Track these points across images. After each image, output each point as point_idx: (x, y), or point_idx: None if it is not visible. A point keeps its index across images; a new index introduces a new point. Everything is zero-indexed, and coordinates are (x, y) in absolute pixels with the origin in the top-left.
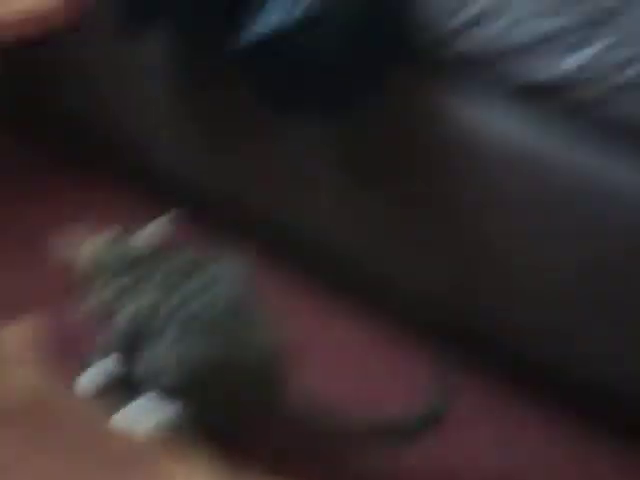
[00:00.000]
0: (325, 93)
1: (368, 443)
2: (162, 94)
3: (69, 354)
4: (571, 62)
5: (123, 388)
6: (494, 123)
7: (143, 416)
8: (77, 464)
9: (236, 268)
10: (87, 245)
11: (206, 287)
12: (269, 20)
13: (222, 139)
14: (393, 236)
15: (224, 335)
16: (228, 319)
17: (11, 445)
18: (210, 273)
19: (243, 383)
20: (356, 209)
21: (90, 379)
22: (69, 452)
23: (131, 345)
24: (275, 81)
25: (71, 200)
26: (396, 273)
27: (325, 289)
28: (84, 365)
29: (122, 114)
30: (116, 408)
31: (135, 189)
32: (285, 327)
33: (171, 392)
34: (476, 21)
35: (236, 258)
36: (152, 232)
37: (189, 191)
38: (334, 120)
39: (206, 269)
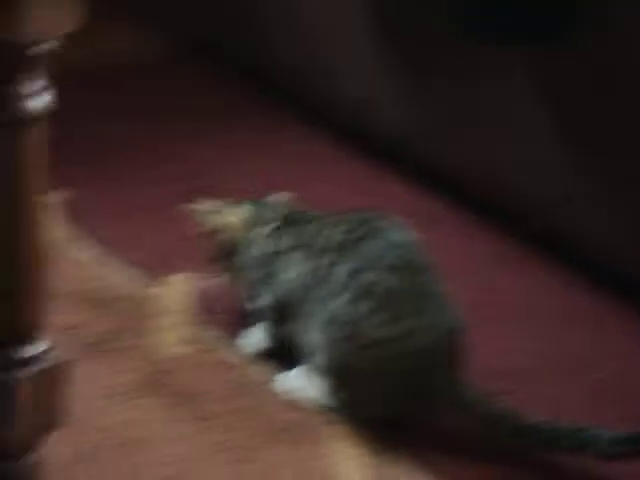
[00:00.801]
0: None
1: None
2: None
3: (219, 316)
4: None
5: (280, 355)
6: None
7: (299, 388)
8: (237, 431)
9: (411, 234)
10: (240, 207)
11: (381, 253)
12: None
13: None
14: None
15: (399, 310)
16: (405, 291)
17: (164, 408)
18: (385, 238)
19: (413, 368)
20: None
21: (248, 343)
22: (228, 416)
23: (289, 313)
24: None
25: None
26: None
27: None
28: (239, 329)
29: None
30: (273, 375)
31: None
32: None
33: (323, 371)
34: None
35: (406, 224)
36: None
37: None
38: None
39: (378, 234)
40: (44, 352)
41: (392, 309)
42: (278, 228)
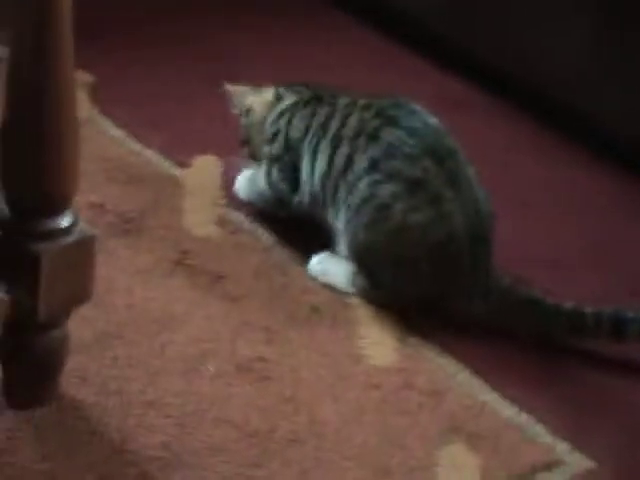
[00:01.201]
0: None
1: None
2: None
3: None
4: None
5: (308, 238)
6: None
7: (328, 271)
8: (262, 312)
9: (434, 119)
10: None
11: (403, 140)
12: None
13: None
14: None
15: (429, 194)
16: (434, 176)
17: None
18: (407, 125)
19: (444, 253)
20: None
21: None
22: (254, 297)
23: (323, 195)
24: None
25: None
26: None
27: None
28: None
29: None
30: (300, 258)
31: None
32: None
33: (352, 255)
34: None
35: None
36: None
37: None
38: None
39: (401, 121)
40: (70, 226)
41: (422, 194)
42: (296, 104)
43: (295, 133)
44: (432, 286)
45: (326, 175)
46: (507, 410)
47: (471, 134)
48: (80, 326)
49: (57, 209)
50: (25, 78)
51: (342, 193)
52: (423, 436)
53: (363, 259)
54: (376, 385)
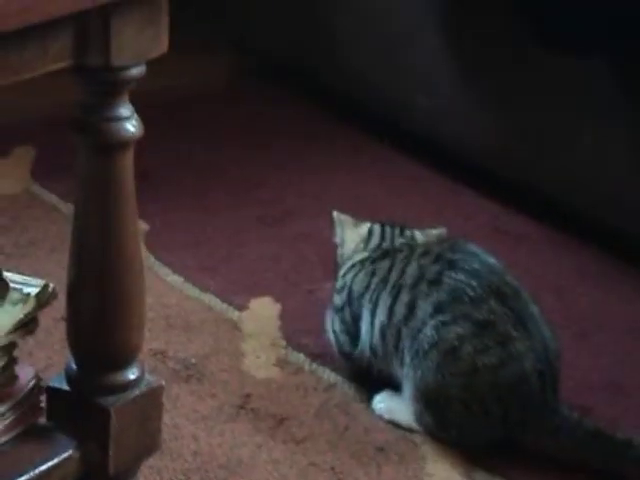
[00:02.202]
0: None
1: None
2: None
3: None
4: None
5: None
6: None
7: (399, 408)
8: (329, 453)
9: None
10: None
11: (468, 283)
12: None
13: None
14: None
15: (496, 336)
16: (501, 317)
17: (254, 432)
18: (468, 267)
19: (512, 394)
20: None
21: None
22: (319, 438)
23: (384, 347)
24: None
25: None
26: None
27: None
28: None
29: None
30: (363, 397)
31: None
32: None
33: (418, 397)
34: None
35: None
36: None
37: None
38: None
39: (461, 263)
40: (139, 377)
41: (490, 335)
42: (366, 260)
43: (358, 286)
44: (502, 426)
45: (386, 326)
46: None
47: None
48: (149, 475)
49: (125, 362)
50: (90, 235)
51: (406, 340)
52: None
53: (432, 402)
54: None
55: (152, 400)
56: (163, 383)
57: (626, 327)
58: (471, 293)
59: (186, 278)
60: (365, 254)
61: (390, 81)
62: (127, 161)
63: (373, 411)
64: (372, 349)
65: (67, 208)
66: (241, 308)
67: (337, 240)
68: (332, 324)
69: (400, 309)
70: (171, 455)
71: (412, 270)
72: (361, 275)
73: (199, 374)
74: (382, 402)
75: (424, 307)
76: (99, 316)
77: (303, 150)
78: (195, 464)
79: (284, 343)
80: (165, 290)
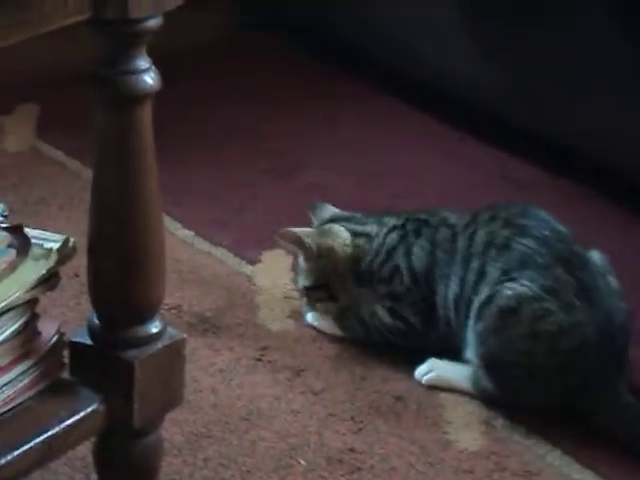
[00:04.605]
0: None
1: None
2: None
3: None
4: None
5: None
6: None
7: (452, 373)
8: (346, 404)
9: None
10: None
11: (533, 250)
12: None
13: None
14: None
15: (561, 303)
16: (566, 284)
17: (272, 384)
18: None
19: (574, 363)
20: None
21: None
22: (336, 389)
23: (457, 316)
24: None
25: None
26: None
27: None
28: None
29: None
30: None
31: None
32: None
33: (479, 361)
34: None
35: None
36: None
37: None
38: None
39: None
40: (161, 330)
41: (550, 302)
42: (405, 236)
43: (419, 264)
44: (561, 394)
45: (459, 297)
46: None
47: None
48: (170, 428)
49: (147, 316)
50: (109, 190)
51: (475, 304)
52: None
53: (492, 366)
54: (468, 470)
55: (175, 353)
56: (185, 336)
57: None
58: (539, 260)
59: (197, 232)
60: (394, 235)
61: (397, 31)
62: (146, 114)
63: (422, 380)
64: (447, 322)
65: (74, 165)
66: (253, 262)
67: (308, 254)
68: (375, 318)
69: (470, 277)
70: (191, 408)
71: (480, 237)
72: (417, 250)
73: (215, 328)
74: (431, 370)
75: (492, 272)
76: (120, 270)
77: (312, 103)
78: (215, 416)
79: (297, 295)
80: (176, 245)
